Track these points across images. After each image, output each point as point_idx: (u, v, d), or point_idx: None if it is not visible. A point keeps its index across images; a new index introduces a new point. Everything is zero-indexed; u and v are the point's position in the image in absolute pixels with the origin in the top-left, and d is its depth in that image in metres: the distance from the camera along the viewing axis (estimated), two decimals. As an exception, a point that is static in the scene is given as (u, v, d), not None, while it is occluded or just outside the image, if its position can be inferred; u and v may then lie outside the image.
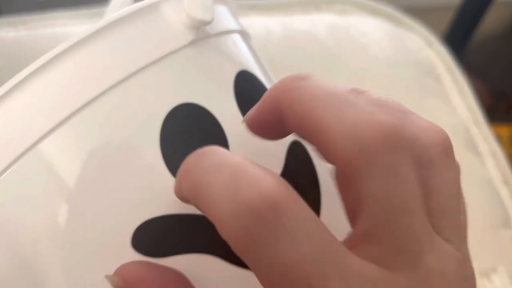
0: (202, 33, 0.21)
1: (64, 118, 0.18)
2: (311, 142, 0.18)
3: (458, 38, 0.74)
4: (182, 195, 0.18)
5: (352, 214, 0.17)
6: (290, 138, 0.21)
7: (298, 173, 0.22)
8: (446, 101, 0.46)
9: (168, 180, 0.19)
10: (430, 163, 0.17)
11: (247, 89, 0.21)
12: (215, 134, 0.20)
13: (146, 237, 0.19)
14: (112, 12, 0.31)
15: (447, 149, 0.18)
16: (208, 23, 0.20)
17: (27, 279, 0.19)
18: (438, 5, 0.91)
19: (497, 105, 1.00)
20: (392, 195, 0.16)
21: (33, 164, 0.18)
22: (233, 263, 0.19)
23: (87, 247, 0.19)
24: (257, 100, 0.21)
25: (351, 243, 0.16)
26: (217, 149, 0.17)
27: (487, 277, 0.39)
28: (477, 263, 0.39)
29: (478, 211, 0.42)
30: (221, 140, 0.20)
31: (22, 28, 0.41)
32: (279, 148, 0.21)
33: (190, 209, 0.19)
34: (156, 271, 0.18)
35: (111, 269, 0.18)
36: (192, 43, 0.20)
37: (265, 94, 0.19)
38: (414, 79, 0.46)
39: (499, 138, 0.90)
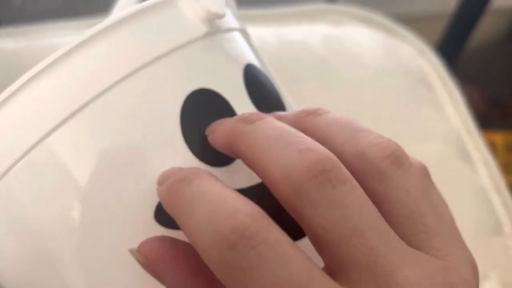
0: (214, 27, 0.22)
1: (83, 103, 0.19)
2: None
3: (452, 46, 0.74)
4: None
5: (315, 245, 0.17)
6: None
7: None
8: (439, 110, 0.46)
9: (188, 156, 0.20)
10: (381, 176, 0.18)
11: (256, 79, 0.23)
12: (228, 116, 0.21)
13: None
14: (117, 12, 0.32)
15: (398, 158, 0.18)
16: (221, 16, 0.22)
17: (48, 272, 0.20)
18: (432, 13, 0.91)
19: (492, 113, 1.01)
20: (341, 224, 0.16)
21: (43, 157, 0.19)
22: None
23: (106, 227, 0.20)
24: (264, 89, 0.23)
25: (329, 271, 0.17)
26: (203, 176, 0.18)
27: (478, 284, 0.39)
28: (469, 270, 0.39)
29: (470, 218, 0.42)
30: None
31: (21, 39, 0.42)
32: None
33: None
34: (176, 248, 0.19)
35: (134, 244, 0.19)
36: (205, 35, 0.22)
37: (218, 132, 0.20)
38: (406, 88, 0.47)
39: (494, 146, 0.90)
